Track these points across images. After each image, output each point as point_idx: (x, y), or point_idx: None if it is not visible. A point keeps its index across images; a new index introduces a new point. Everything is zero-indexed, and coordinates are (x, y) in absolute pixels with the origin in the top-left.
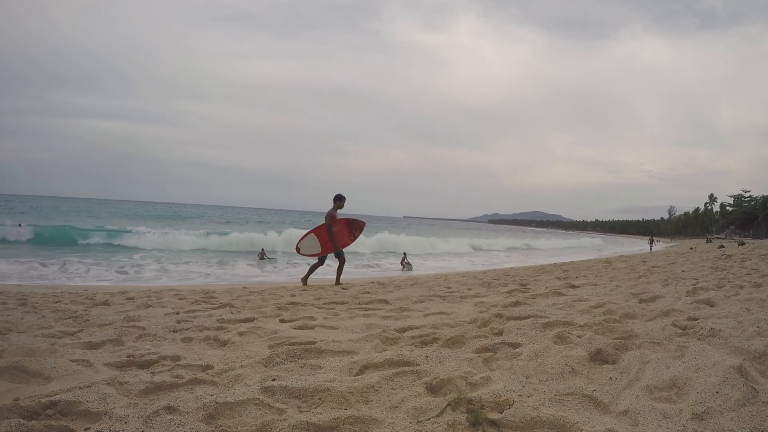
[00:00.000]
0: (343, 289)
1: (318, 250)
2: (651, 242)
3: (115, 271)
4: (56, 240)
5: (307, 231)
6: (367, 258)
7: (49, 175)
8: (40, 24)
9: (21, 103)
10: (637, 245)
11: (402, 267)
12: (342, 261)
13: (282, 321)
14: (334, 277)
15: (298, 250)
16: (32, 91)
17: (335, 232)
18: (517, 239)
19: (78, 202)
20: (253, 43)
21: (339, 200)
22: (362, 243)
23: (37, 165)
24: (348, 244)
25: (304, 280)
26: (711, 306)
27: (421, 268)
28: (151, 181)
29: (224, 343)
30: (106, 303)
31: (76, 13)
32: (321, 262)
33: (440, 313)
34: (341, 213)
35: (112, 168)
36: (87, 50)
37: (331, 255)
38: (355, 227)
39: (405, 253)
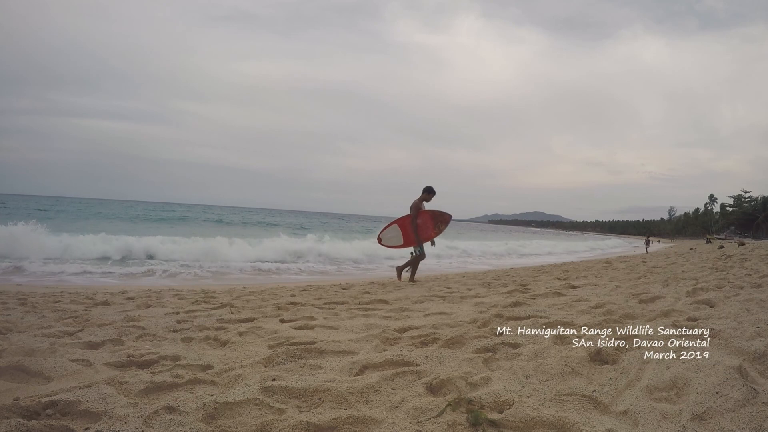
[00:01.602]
0: (343, 289)
1: (400, 242)
2: (647, 243)
3: (113, 271)
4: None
5: (391, 221)
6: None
7: (50, 175)
8: (40, 24)
9: (21, 103)
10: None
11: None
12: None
13: (282, 321)
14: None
15: (379, 240)
16: (32, 91)
17: (419, 224)
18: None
19: (79, 202)
20: (254, 44)
21: (428, 192)
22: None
23: (37, 165)
24: (432, 238)
25: (411, 278)
26: (711, 306)
27: (423, 268)
28: (151, 181)
29: (224, 343)
30: (106, 303)
31: (76, 13)
32: (420, 255)
33: (440, 313)
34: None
35: (112, 168)
36: (87, 50)
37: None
38: (440, 220)
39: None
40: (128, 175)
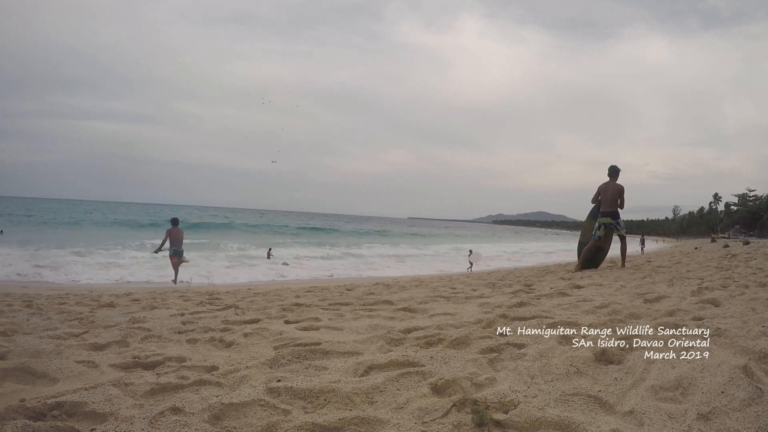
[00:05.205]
0: (347, 290)
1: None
2: (642, 242)
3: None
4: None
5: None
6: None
7: (50, 178)
8: (39, 24)
9: (21, 105)
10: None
11: (470, 265)
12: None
13: (287, 322)
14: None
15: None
16: (32, 93)
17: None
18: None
19: (79, 204)
20: (256, 45)
21: (615, 174)
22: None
23: (37, 167)
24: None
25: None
26: (716, 306)
27: (426, 268)
28: (152, 183)
29: (229, 345)
30: (111, 304)
31: (77, 14)
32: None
33: (445, 314)
34: None
35: (113, 170)
36: (87, 51)
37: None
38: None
39: (471, 250)
40: (130, 177)
